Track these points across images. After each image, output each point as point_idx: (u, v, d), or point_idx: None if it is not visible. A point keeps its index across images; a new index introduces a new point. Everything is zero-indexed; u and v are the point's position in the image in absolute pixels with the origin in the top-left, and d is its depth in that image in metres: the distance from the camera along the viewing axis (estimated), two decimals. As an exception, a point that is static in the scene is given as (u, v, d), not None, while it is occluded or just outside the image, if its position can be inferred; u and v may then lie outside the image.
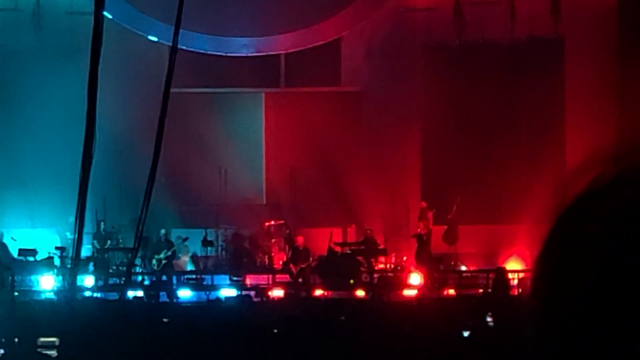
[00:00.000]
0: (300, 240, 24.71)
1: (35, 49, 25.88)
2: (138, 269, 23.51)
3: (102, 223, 24.55)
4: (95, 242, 24.32)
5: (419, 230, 25.05)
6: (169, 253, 24.10)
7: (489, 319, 14.05)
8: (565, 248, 1.25)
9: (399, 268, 24.66)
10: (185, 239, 24.70)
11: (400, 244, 25.41)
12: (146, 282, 23.57)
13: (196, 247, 25.64)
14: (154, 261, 23.90)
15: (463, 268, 25.16)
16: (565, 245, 1.25)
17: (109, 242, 24.64)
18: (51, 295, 22.13)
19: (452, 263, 25.21)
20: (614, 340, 1.19)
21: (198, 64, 25.81)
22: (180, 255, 24.83)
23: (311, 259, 24.37)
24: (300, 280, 23.75)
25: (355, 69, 27.42)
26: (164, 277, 23.64)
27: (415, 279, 23.86)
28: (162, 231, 24.27)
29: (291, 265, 24.24)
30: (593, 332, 1.20)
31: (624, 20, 24.70)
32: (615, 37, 24.95)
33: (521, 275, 22.65)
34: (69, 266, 20.59)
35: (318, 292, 23.02)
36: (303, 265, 24.02)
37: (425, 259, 24.32)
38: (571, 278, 1.23)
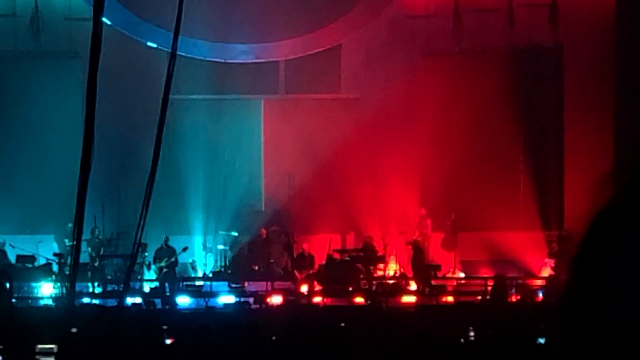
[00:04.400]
0: (305, 246, 24.67)
1: (33, 55, 25.86)
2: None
3: (96, 230, 24.40)
4: (89, 249, 24.16)
5: (415, 237, 25.05)
6: (172, 260, 23.97)
7: (486, 327, 14.03)
8: (601, 257, 1.23)
9: (397, 275, 24.63)
10: (185, 249, 24.58)
11: (399, 251, 25.38)
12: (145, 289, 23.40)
13: (196, 254, 25.64)
14: (154, 267, 23.77)
15: (462, 275, 25.13)
16: (601, 253, 1.23)
17: (102, 249, 24.50)
18: (49, 302, 22.10)
19: (450, 270, 25.18)
20: None
21: (197, 70, 25.81)
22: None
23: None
24: (306, 286, 23.57)
25: (354, 76, 27.41)
26: (166, 285, 23.47)
27: (414, 286, 23.83)
28: (164, 237, 24.15)
29: (295, 271, 24.14)
30: (625, 343, 1.19)
31: (622, 28, 24.72)
32: (614, 44, 24.96)
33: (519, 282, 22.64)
34: (67, 273, 20.55)
35: (317, 299, 22.96)
36: (309, 272, 23.94)
37: (421, 267, 24.28)
38: (606, 288, 1.21)
